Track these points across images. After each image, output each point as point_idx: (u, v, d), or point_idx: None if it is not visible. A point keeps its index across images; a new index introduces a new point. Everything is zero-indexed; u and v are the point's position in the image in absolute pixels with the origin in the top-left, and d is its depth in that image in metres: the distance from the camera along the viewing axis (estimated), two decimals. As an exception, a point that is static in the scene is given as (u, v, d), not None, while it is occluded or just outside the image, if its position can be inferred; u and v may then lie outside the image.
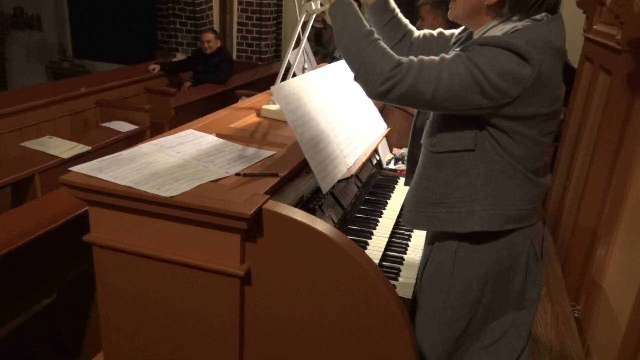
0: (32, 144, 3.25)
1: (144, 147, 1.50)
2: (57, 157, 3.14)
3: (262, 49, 6.32)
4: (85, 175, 1.28)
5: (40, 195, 3.00)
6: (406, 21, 1.58)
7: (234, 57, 6.24)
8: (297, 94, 1.54)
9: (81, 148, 3.28)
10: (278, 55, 6.68)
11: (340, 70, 1.93)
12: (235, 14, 6.18)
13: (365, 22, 1.28)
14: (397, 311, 1.19)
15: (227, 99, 4.76)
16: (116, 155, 1.41)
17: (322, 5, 1.89)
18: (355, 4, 1.30)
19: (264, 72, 5.89)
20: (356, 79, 1.25)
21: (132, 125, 3.84)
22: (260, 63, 6.29)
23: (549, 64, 1.13)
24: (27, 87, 5.91)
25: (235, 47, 6.38)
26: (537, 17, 1.18)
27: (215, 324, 1.31)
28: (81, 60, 8.18)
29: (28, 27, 7.52)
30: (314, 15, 1.97)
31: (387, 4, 1.54)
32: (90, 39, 8.26)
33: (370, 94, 1.22)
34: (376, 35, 1.25)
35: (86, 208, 2.32)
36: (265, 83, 5.34)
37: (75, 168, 1.31)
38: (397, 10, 1.57)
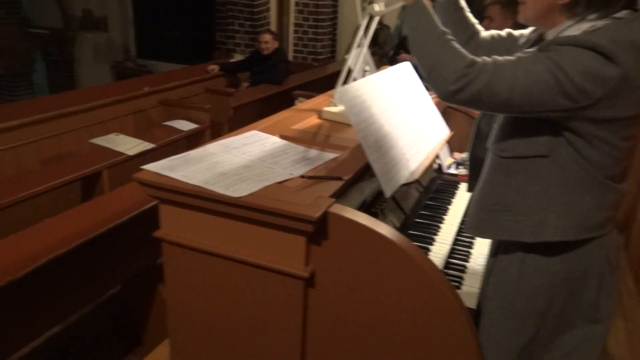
0: (100, 141, 3.40)
1: (211, 147, 1.54)
2: (124, 153, 3.27)
3: (318, 50, 6.36)
4: (156, 173, 1.32)
5: (107, 190, 3.14)
6: (474, 20, 1.55)
7: (290, 58, 6.31)
8: (361, 96, 1.54)
9: (145, 145, 3.41)
10: (333, 57, 6.71)
11: (403, 73, 1.92)
12: (292, 15, 6.25)
13: (440, 24, 1.26)
14: (465, 320, 1.17)
15: (283, 99, 4.83)
16: (185, 154, 1.45)
17: (382, 6, 1.88)
18: (429, 6, 1.29)
19: (320, 73, 5.93)
20: (428, 79, 1.23)
21: (192, 124, 3.95)
22: (315, 64, 6.33)
23: (634, 64, 1.08)
24: (94, 86, 6.22)
25: (291, 48, 6.45)
26: (618, 15, 1.12)
27: (277, 324, 1.33)
28: (144, 60, 8.51)
29: (95, 28, 7.88)
30: (377, 18, 1.96)
31: (457, 1, 1.51)
32: (153, 39, 8.58)
33: (442, 93, 1.20)
34: (450, 36, 1.23)
35: (152, 204, 2.44)
36: (320, 84, 5.37)
37: (147, 166, 1.36)
38: (466, 9, 1.54)
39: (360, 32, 2.01)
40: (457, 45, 1.21)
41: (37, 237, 2.12)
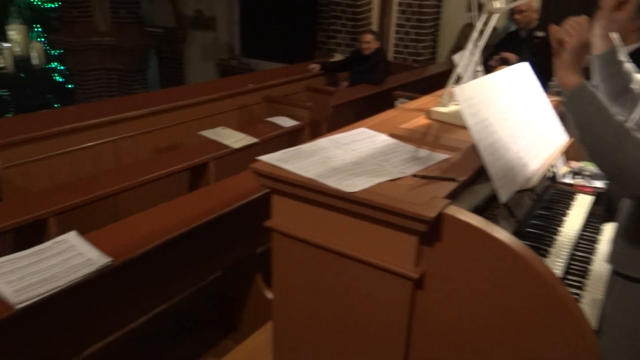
0: (208, 134, 3.58)
1: (322, 142, 1.56)
2: (229, 146, 3.42)
3: (419, 50, 6.25)
4: (271, 164, 1.36)
5: (213, 181, 3.30)
6: (631, 68, 1.42)
7: (390, 59, 6.26)
8: (479, 96, 1.48)
9: (249, 140, 3.55)
10: (433, 58, 6.56)
11: (520, 73, 1.82)
12: (394, 15, 6.20)
13: (611, 109, 1.12)
14: (591, 340, 1.08)
15: (382, 100, 4.80)
16: (297, 148, 1.49)
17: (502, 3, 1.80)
18: (598, 93, 1.16)
19: (419, 75, 5.83)
20: (613, 178, 1.15)
21: (293, 121, 4.05)
22: (416, 65, 6.24)
23: None
24: (202, 82, 6.58)
25: (391, 48, 6.40)
26: None
27: (382, 323, 1.32)
28: (247, 59, 8.87)
29: (205, 27, 8.32)
30: (497, 16, 1.88)
31: (615, 54, 1.39)
32: (256, 39, 8.91)
33: (633, 195, 1.12)
34: (628, 125, 1.10)
35: (255, 196, 2.53)
36: (420, 85, 5.28)
37: (262, 157, 1.40)
38: (625, 59, 1.42)
39: (476, 31, 1.94)
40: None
41: (152, 221, 2.27)
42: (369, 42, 5.12)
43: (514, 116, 1.61)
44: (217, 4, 8.60)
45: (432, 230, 1.19)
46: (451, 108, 1.91)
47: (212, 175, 3.34)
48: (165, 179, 3.25)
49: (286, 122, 4.01)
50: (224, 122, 4.30)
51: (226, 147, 3.43)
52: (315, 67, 5.49)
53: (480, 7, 1.93)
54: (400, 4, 6.16)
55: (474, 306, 1.21)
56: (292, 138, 4.07)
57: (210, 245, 2.50)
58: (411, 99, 2.47)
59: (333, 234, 1.32)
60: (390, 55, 6.36)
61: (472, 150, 1.46)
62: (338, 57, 6.06)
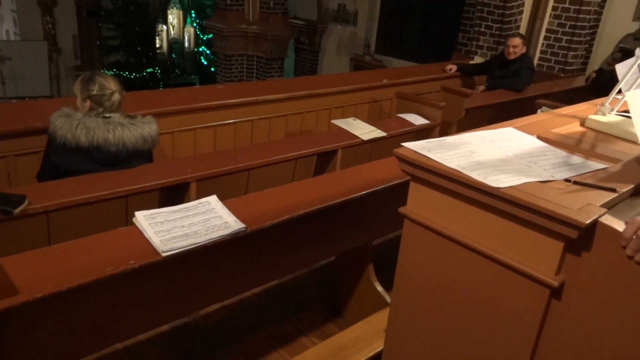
0: (339, 123, 3.66)
1: (467, 136, 1.52)
2: (358, 137, 3.46)
3: (569, 59, 5.81)
4: (415, 152, 1.36)
5: (338, 168, 3.37)
6: None
7: (535, 66, 5.90)
8: (651, 105, 1.35)
9: (378, 133, 3.56)
10: (584, 69, 6.06)
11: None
12: (547, 20, 5.81)
13: None
14: None
15: (520, 108, 4.55)
16: (441, 139, 1.46)
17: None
18: None
19: (565, 85, 5.42)
20: None
21: (424, 119, 3.99)
22: (562, 75, 5.81)
23: None
24: (336, 74, 6.74)
25: (537, 55, 6.02)
26: None
27: (509, 329, 1.26)
28: (380, 55, 8.91)
29: (345, 22, 8.50)
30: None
31: None
32: (392, 36, 8.91)
33: None
34: None
35: (380, 187, 2.53)
36: (563, 97, 4.91)
37: (406, 144, 1.40)
38: None
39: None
40: None
41: (281, 198, 2.36)
42: (517, 47, 4.86)
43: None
44: (360, -1, 8.75)
45: (582, 239, 1.11)
46: (612, 118, 1.76)
47: (338, 163, 3.40)
48: (292, 162, 3.38)
49: (417, 119, 3.96)
50: (354, 114, 4.37)
51: (355, 137, 3.47)
52: (452, 67, 5.36)
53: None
54: (555, 8, 5.75)
55: (616, 327, 1.11)
56: (420, 137, 4.01)
57: (328, 229, 2.55)
58: (555, 109, 2.30)
59: (469, 229, 1.28)
60: (535, 62, 6.00)
61: (635, 163, 1.34)
62: (478, 60, 5.85)
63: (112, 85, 2.50)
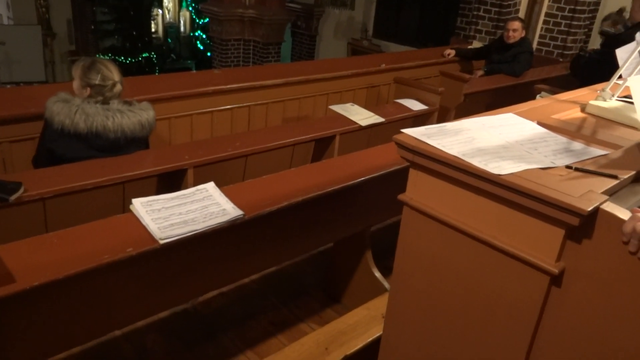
0: (337, 108, 3.63)
1: (467, 122, 1.50)
2: (356, 123, 3.44)
3: (568, 44, 5.77)
4: (415, 138, 1.34)
5: (336, 154, 3.35)
6: None
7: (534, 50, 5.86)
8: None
9: (376, 119, 3.54)
10: (583, 54, 6.02)
11: None
12: (546, 4, 5.76)
13: None
14: None
15: (519, 92, 4.53)
16: (441, 125, 1.45)
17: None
18: None
19: (563, 70, 5.39)
20: None
21: (422, 105, 3.97)
22: (561, 59, 5.78)
23: None
24: (334, 58, 6.68)
25: (536, 39, 5.98)
26: None
27: (509, 316, 1.26)
28: (378, 40, 8.83)
29: (343, 5, 8.41)
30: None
31: None
32: (390, 21, 8.83)
33: None
34: None
35: (378, 174, 2.52)
36: (562, 81, 4.89)
37: (406, 130, 1.39)
38: None
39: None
40: None
41: (278, 184, 2.35)
42: (516, 30, 4.82)
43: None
44: (357, -19, 8.65)
45: (584, 226, 1.10)
46: (612, 103, 1.74)
47: (336, 149, 3.39)
48: (290, 148, 3.36)
49: (415, 105, 3.93)
50: (352, 99, 4.34)
51: (353, 123, 3.45)
52: (450, 52, 5.32)
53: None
54: (555, -8, 5.71)
55: (616, 315, 1.11)
56: (418, 122, 3.98)
57: (326, 216, 2.55)
58: (554, 94, 2.28)
59: (469, 216, 1.28)
60: (534, 47, 5.96)
61: (637, 149, 1.33)
62: (477, 44, 5.81)
63: (114, 75, 2.46)
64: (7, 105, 2.94)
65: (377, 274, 2.84)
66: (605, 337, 1.13)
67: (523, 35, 4.92)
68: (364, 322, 2.35)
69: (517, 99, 2.00)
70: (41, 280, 1.48)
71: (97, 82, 2.41)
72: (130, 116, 2.44)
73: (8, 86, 8.28)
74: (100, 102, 2.42)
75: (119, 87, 2.47)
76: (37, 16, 10.37)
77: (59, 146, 2.39)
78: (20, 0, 10.14)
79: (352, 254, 2.93)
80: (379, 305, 2.38)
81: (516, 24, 4.83)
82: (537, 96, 3.50)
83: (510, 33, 4.85)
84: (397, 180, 1.76)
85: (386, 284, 2.79)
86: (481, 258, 1.27)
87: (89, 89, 2.42)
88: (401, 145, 1.34)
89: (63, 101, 2.36)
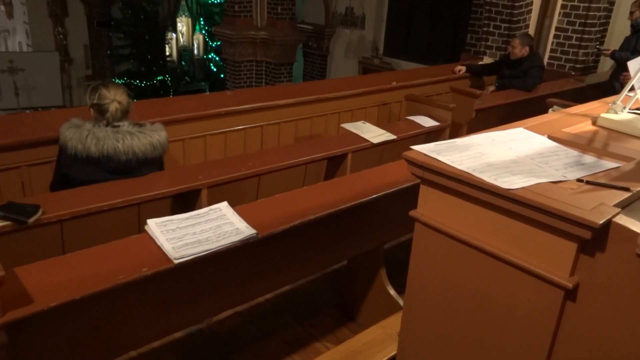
0: (349, 127, 3.65)
1: (477, 138, 1.51)
2: (368, 141, 3.46)
3: (579, 57, 5.76)
4: (425, 154, 1.35)
5: (349, 172, 3.36)
6: None
7: (545, 64, 5.86)
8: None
9: (388, 136, 3.55)
10: (595, 67, 6.01)
11: None
12: (556, 18, 5.77)
13: None
14: None
15: (531, 107, 4.51)
16: (451, 141, 1.46)
17: None
18: None
19: (576, 84, 5.37)
20: None
21: (434, 121, 3.97)
22: (573, 73, 5.76)
23: None
24: (345, 77, 6.74)
25: (547, 54, 5.98)
26: None
27: (523, 331, 1.25)
28: (388, 58, 8.90)
29: (353, 25, 8.51)
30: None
31: None
32: (400, 39, 8.90)
33: None
34: None
35: (390, 191, 2.52)
36: (575, 95, 4.87)
37: (416, 147, 1.40)
38: None
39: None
40: None
41: (292, 203, 2.36)
42: (515, 47, 4.95)
43: None
44: (368, 2, 8.75)
45: (596, 239, 1.10)
46: (624, 116, 1.74)
47: (349, 167, 3.40)
48: (303, 167, 3.38)
49: (427, 122, 3.94)
50: (363, 117, 4.36)
51: (365, 140, 3.47)
52: (461, 69, 5.34)
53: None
54: (564, 6, 5.71)
55: (633, 329, 1.09)
56: (430, 139, 3.98)
57: (340, 233, 2.55)
58: (567, 107, 2.27)
59: (481, 231, 1.27)
60: (545, 61, 5.96)
61: (649, 161, 1.32)
62: (487, 60, 5.82)
63: (112, 94, 2.49)
64: (25, 130, 3.01)
65: (392, 292, 2.82)
66: (623, 351, 1.12)
67: (524, 52, 4.96)
68: (379, 341, 2.33)
69: (529, 114, 1.99)
70: (58, 301, 1.50)
71: (95, 101, 2.48)
72: (140, 137, 2.48)
73: (27, 111, 8.47)
74: (110, 124, 2.47)
75: (115, 105, 2.48)
76: (55, 43, 10.65)
77: (73, 171, 2.45)
78: (39, 28, 10.44)
79: (367, 271, 2.92)
80: (394, 323, 2.36)
81: (515, 42, 4.99)
82: (550, 110, 3.49)
83: (510, 49, 5.04)
84: (409, 197, 1.76)
85: (401, 302, 2.76)
86: (494, 273, 1.27)
87: (92, 110, 2.51)
88: (411, 162, 1.35)
89: (75, 126, 2.42)
